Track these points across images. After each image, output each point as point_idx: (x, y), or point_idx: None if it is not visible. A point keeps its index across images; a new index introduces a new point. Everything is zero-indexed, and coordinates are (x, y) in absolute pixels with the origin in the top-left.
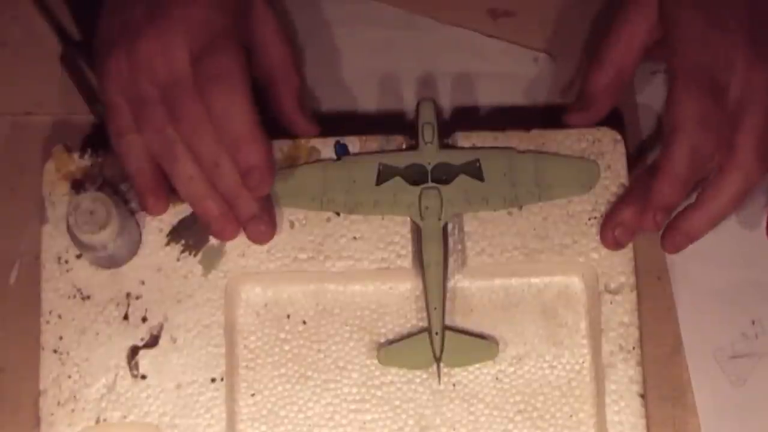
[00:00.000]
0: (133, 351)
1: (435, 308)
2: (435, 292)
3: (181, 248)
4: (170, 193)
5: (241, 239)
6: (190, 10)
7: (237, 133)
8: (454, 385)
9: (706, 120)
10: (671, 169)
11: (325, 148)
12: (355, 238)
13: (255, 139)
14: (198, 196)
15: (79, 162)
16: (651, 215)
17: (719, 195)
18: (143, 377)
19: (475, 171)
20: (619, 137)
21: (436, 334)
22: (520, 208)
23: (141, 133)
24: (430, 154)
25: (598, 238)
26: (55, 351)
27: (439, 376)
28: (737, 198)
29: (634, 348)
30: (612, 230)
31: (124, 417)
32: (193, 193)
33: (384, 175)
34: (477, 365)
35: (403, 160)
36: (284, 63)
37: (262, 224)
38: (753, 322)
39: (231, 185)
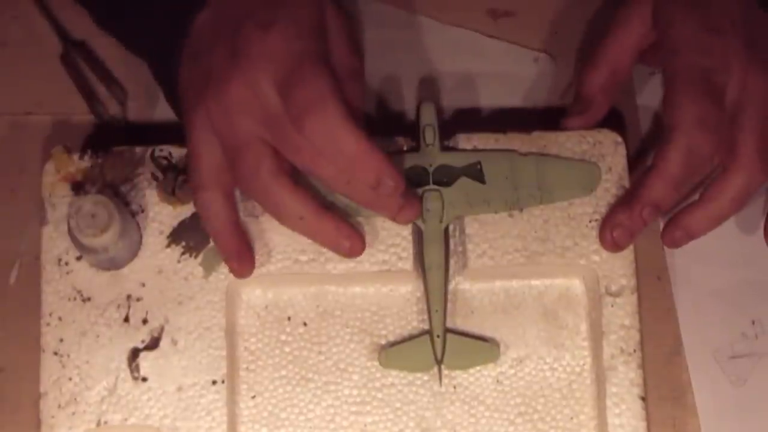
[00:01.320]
0: (134, 353)
1: (436, 311)
2: (436, 295)
3: (182, 250)
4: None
5: None
6: (267, 42)
7: (350, 156)
8: (454, 387)
9: (704, 121)
10: (665, 168)
11: None
12: None
13: (369, 155)
14: (314, 232)
15: (79, 163)
16: (638, 210)
17: (721, 195)
18: (144, 380)
19: (476, 173)
20: (620, 139)
21: (438, 336)
22: (521, 210)
23: (238, 181)
24: (431, 156)
25: (599, 240)
26: (55, 353)
27: (440, 378)
28: (739, 199)
29: (635, 351)
30: (610, 231)
31: (125, 420)
32: (308, 230)
33: None
34: (478, 367)
35: (404, 162)
36: (350, 76)
37: (410, 210)
38: (753, 322)
39: (368, 195)
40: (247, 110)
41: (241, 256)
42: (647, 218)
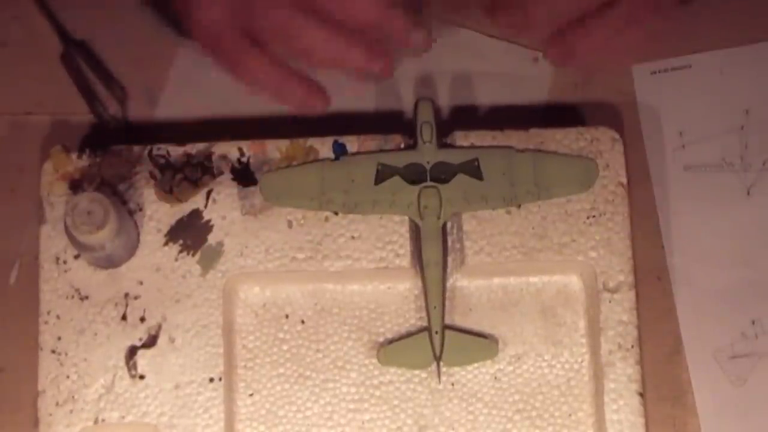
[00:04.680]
0: (132, 351)
1: (435, 307)
2: (434, 291)
3: (180, 248)
4: None
5: (239, 240)
6: None
7: None
8: (452, 384)
9: None
10: None
11: (324, 147)
12: (353, 237)
13: None
14: (342, 50)
15: (77, 162)
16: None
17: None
18: (141, 377)
19: (473, 170)
20: (617, 136)
21: (436, 333)
22: (519, 207)
23: (257, 32)
24: (428, 154)
25: (597, 237)
26: (53, 351)
27: (438, 375)
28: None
29: (632, 346)
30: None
31: (123, 417)
32: (336, 50)
33: (383, 175)
34: (476, 364)
35: (401, 160)
36: None
37: (419, 33)
38: (753, 322)
39: (370, 13)
40: None
41: (314, 88)
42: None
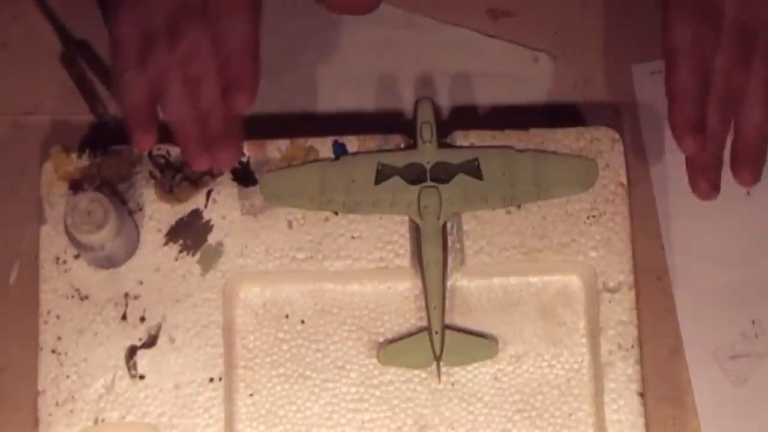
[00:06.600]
0: (132, 351)
1: (435, 307)
2: (434, 291)
3: (180, 248)
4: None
5: (239, 239)
6: None
7: (233, 47)
8: (452, 384)
9: (698, 41)
10: (679, 86)
11: (324, 147)
12: (353, 237)
13: (248, 56)
14: (181, 117)
15: (77, 162)
16: (689, 142)
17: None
18: (141, 377)
19: (473, 170)
20: (617, 136)
21: (436, 333)
22: (519, 207)
23: (144, 65)
24: (428, 154)
25: (597, 237)
26: (53, 351)
27: (438, 375)
28: None
29: (632, 346)
30: (701, 180)
31: (123, 417)
32: (177, 113)
33: (383, 175)
34: (476, 364)
35: (401, 160)
36: None
37: (227, 148)
38: (753, 322)
39: (209, 99)
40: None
41: (147, 126)
42: (698, 143)
